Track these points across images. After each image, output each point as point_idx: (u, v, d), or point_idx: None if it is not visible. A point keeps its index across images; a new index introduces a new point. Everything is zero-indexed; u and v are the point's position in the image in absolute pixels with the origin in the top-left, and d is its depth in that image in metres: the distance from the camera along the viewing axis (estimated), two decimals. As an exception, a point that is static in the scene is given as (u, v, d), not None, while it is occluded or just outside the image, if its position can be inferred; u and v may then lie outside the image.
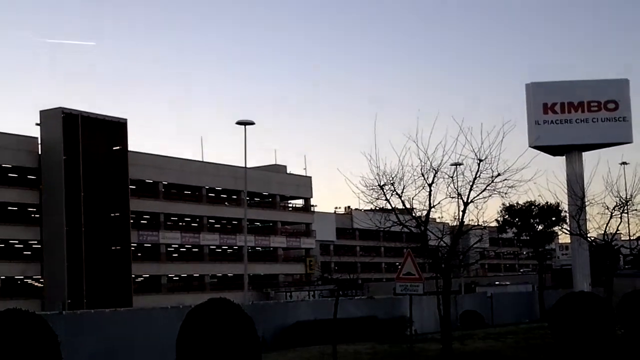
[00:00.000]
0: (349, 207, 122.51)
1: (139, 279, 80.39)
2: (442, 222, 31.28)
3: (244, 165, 51.40)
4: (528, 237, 54.33)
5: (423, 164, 23.23)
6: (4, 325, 12.98)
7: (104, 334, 24.31)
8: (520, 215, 51.31)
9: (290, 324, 31.85)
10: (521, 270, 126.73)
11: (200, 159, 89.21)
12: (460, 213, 23.77)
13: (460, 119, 23.27)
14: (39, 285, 72.56)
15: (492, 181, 23.32)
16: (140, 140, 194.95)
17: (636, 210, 34.85)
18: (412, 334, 27.23)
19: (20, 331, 13.00)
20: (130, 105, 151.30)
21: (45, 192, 70.76)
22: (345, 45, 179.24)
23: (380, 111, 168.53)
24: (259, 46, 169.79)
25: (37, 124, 71.45)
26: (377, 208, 26.17)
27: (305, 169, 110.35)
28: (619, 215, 34.17)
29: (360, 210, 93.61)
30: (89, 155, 71.27)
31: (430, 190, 23.38)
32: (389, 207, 24.65)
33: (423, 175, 23.35)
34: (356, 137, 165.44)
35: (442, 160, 23.31)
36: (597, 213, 35.02)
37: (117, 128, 74.34)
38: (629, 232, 39.22)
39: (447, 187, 23.90)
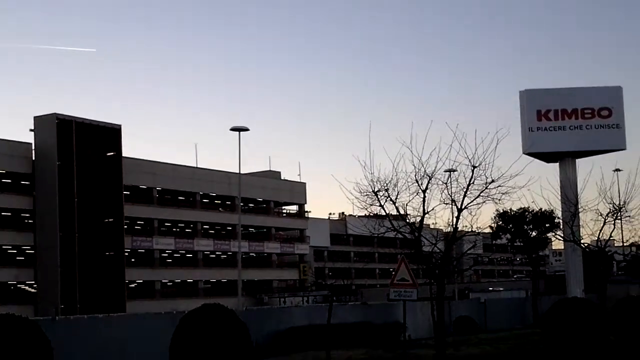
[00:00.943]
0: (343, 213, 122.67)
1: (133, 285, 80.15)
2: (436, 228, 31.31)
3: (238, 171, 51.34)
4: (522, 244, 54.31)
5: (417, 170, 23.32)
6: (-2, 330, 12.96)
7: (97, 340, 24.23)
8: (514, 222, 51.33)
9: (284, 330, 31.80)
10: (515, 276, 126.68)
11: (195, 165, 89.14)
12: (454, 219, 23.85)
13: (454, 125, 23.40)
14: (32, 290, 72.28)
15: (486, 187, 23.42)
16: (134, 146, 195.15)
17: (629, 216, 35.05)
18: (406, 340, 27.28)
19: (14, 337, 12.97)
20: (124, 111, 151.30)
21: (38, 198, 70.53)
22: (339, 52, 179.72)
23: (375, 118, 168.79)
24: (254, 53, 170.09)
25: (31, 130, 71.25)
26: (371, 214, 26.22)
27: (299, 175, 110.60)
28: (612, 222, 34.34)
29: (355, 216, 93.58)
30: (82, 161, 71.09)
31: (424, 197, 23.48)
32: (383, 213, 24.71)
33: (417, 182, 23.44)
34: (350, 143, 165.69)
35: (436, 166, 23.43)
36: (591, 219, 35.25)
37: (111, 134, 74.14)
38: (622, 239, 39.38)
39: (441, 194, 24.03)
